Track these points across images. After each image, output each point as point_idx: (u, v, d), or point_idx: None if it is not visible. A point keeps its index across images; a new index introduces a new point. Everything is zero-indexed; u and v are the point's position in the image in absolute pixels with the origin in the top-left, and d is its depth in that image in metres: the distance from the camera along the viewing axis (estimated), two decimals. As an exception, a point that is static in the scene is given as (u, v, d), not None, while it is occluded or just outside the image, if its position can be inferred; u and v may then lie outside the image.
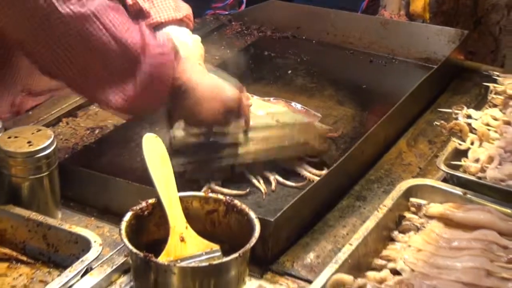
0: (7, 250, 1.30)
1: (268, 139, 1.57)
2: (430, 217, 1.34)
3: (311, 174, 1.56)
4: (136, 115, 1.58)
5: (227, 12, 2.30)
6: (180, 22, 1.74)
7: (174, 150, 1.44)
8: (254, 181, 1.51)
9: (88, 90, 1.45)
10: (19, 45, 1.45)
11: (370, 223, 1.30)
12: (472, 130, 1.60)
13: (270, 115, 1.66)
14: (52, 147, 1.35)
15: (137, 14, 1.72)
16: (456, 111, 1.64)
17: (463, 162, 1.52)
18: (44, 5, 1.30)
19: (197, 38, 1.75)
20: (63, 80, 1.46)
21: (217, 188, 1.47)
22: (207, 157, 1.54)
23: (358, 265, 1.22)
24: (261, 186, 1.51)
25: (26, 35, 1.39)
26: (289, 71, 2.01)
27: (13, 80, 1.66)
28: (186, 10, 1.77)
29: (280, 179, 1.55)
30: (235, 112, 1.53)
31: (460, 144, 1.57)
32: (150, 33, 1.46)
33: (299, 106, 1.76)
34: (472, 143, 1.57)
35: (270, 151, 1.56)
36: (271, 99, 1.77)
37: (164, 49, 1.45)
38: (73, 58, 1.37)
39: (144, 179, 1.31)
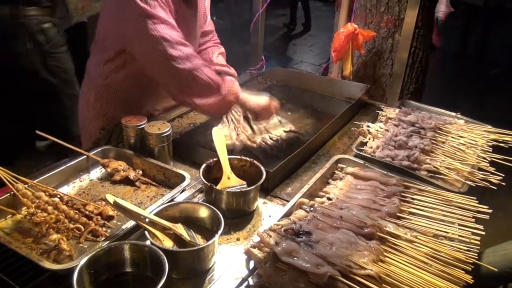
0: (146, 179, 1.30)
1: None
2: (347, 173, 1.31)
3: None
4: (215, 115, 1.51)
5: (256, 72, 2.24)
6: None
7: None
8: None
9: (192, 100, 1.38)
10: (160, 84, 1.42)
11: (318, 175, 1.28)
12: (369, 133, 1.56)
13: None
14: (169, 132, 1.34)
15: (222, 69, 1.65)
16: (362, 123, 1.60)
17: (365, 148, 1.49)
18: (174, 65, 1.30)
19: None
20: (179, 96, 1.40)
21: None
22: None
23: (311, 195, 1.21)
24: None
25: (162, 78, 1.37)
26: (284, 101, 1.95)
27: (148, 102, 1.62)
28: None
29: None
30: (268, 107, 1.54)
31: (363, 139, 1.54)
32: (225, 77, 1.47)
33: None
34: (369, 139, 1.54)
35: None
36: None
37: (234, 83, 1.46)
38: (188, 86, 1.35)
39: (212, 148, 1.29)
